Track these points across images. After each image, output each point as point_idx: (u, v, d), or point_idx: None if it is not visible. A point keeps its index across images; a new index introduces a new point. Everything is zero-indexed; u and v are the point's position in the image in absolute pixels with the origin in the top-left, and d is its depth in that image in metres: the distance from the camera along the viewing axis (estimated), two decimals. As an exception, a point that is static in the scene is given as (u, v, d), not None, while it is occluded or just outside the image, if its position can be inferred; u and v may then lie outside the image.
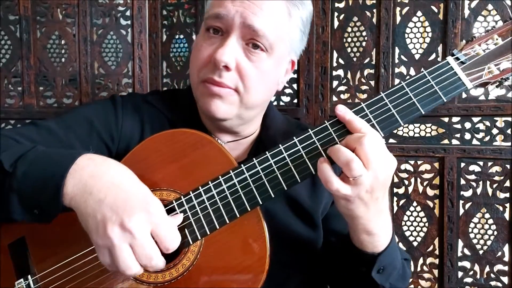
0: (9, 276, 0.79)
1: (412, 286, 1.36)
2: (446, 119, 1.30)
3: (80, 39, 1.49)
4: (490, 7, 1.24)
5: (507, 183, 1.24)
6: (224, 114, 0.88)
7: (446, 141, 1.30)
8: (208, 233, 0.76)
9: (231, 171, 0.77)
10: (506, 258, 1.26)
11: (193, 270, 0.76)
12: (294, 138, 0.76)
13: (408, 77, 1.32)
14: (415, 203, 1.35)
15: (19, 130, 0.87)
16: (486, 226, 1.28)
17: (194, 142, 0.82)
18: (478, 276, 1.29)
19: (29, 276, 0.77)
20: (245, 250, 0.76)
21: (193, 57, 0.91)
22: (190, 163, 0.80)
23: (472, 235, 1.29)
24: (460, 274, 1.30)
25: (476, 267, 1.29)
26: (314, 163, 0.74)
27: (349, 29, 1.38)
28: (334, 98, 1.40)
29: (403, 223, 1.36)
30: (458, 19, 1.25)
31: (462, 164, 1.28)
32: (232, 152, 0.83)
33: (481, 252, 1.28)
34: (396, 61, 1.33)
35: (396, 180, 1.36)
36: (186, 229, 0.76)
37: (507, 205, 1.25)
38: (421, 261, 1.35)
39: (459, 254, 1.30)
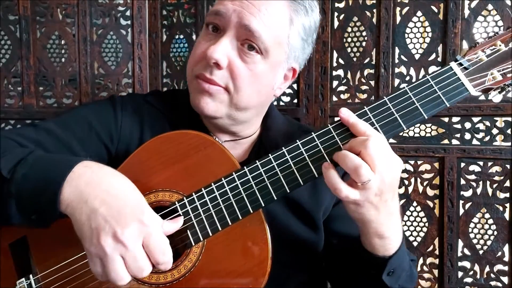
0: (10, 276, 0.79)
1: (412, 286, 1.36)
2: (446, 119, 1.30)
3: (80, 39, 1.48)
4: (490, 7, 1.24)
5: (507, 183, 1.25)
6: (212, 111, 0.88)
7: (446, 141, 1.31)
8: (211, 234, 0.76)
9: (234, 173, 0.77)
10: (506, 258, 1.26)
11: (195, 272, 0.76)
12: (297, 141, 0.77)
13: (408, 78, 1.32)
14: (415, 203, 1.35)
15: (18, 131, 0.87)
16: (486, 226, 1.28)
17: (196, 143, 0.82)
18: (478, 276, 1.29)
19: (31, 276, 0.77)
20: (247, 253, 0.76)
21: (191, 53, 0.92)
22: (193, 164, 0.80)
23: (472, 235, 1.29)
24: (460, 274, 1.30)
25: (476, 267, 1.29)
26: (317, 166, 0.74)
27: (349, 29, 1.37)
28: (334, 98, 1.40)
29: (403, 223, 1.36)
30: (458, 19, 1.25)
31: (462, 164, 1.29)
32: (231, 151, 0.83)
33: (481, 252, 1.29)
34: (396, 61, 1.33)
35: (396, 180, 1.36)
36: (188, 231, 0.76)
37: (507, 205, 1.25)
38: (421, 261, 1.35)
39: (459, 254, 1.30)
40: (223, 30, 0.86)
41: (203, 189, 0.77)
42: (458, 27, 1.26)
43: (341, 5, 1.38)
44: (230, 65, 0.85)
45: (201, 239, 0.76)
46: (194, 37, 1.48)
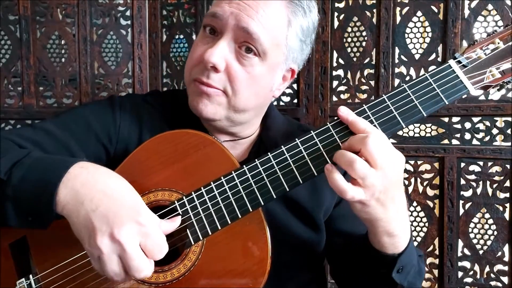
0: (10, 276, 0.78)
1: (412, 286, 1.36)
2: (446, 119, 1.30)
3: (80, 39, 1.49)
4: (490, 7, 1.24)
5: (507, 183, 1.25)
6: (210, 114, 0.87)
7: (446, 141, 1.31)
8: (210, 233, 0.76)
9: (233, 172, 0.77)
10: (506, 258, 1.26)
11: (195, 271, 0.76)
12: (297, 140, 0.76)
13: (408, 78, 1.32)
14: (415, 203, 1.35)
15: (17, 132, 0.87)
16: (486, 226, 1.28)
17: (196, 143, 0.81)
18: (478, 276, 1.29)
19: (31, 276, 0.77)
20: (246, 252, 0.75)
21: (189, 55, 0.91)
22: (192, 163, 0.80)
23: (472, 235, 1.29)
24: (460, 274, 1.30)
25: (476, 267, 1.29)
26: (316, 164, 0.74)
27: (349, 29, 1.38)
28: (334, 98, 1.40)
29: (403, 223, 1.36)
30: (458, 19, 1.26)
31: (462, 164, 1.29)
32: (231, 151, 0.83)
33: (481, 252, 1.29)
34: (396, 61, 1.34)
35: (396, 180, 1.36)
36: (187, 229, 0.76)
37: (507, 205, 1.25)
38: (421, 261, 1.35)
39: (459, 254, 1.30)
40: (221, 33, 0.85)
41: (202, 188, 0.77)
42: (458, 27, 1.26)
43: (341, 5, 1.38)
44: (227, 68, 0.84)
45: (201, 238, 0.76)
46: (194, 37, 1.48)
